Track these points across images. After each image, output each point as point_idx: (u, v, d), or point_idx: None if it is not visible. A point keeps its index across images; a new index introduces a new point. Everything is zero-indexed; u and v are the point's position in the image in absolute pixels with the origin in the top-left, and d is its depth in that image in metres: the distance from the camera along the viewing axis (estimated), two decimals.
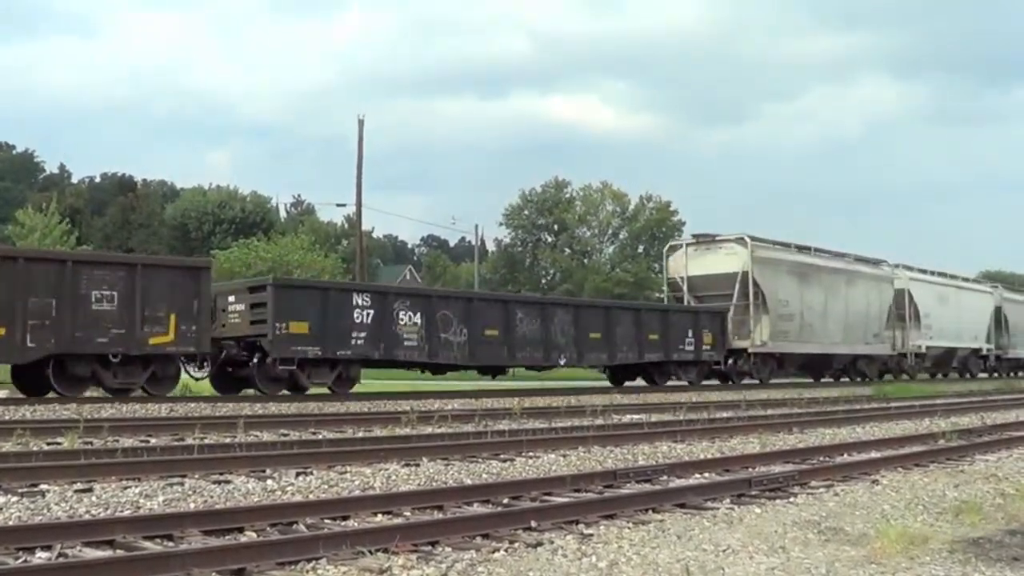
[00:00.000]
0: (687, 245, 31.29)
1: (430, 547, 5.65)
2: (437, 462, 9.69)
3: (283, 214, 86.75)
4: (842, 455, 11.07)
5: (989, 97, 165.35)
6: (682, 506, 7.36)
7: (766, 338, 29.06)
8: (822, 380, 34.49)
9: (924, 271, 39.47)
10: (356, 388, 20.34)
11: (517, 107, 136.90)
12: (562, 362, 23.88)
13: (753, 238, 29.87)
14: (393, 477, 8.61)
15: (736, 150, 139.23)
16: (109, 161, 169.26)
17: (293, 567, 5.11)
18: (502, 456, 10.32)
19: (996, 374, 43.41)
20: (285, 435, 12.04)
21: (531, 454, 10.54)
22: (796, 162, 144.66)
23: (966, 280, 43.61)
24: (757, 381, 29.27)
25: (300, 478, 8.37)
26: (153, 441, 10.98)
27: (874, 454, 11.10)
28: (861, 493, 8.22)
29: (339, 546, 5.38)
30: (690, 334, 26.93)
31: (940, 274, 40.49)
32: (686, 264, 30.43)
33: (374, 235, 68.42)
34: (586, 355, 24.52)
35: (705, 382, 27.97)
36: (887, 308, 35.34)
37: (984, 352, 42.53)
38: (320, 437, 11.78)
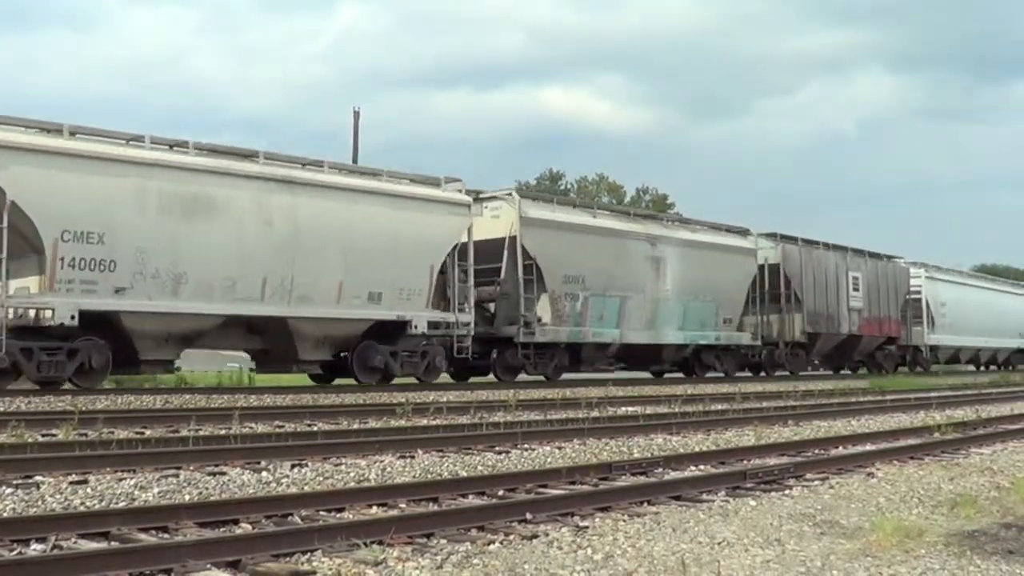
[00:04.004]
0: None
1: (425, 539, 5.65)
2: (432, 454, 9.69)
3: None
4: (837, 448, 11.10)
5: (984, 93, 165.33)
6: (677, 498, 7.37)
7: None
8: None
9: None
10: None
11: (512, 100, 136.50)
12: None
13: None
14: (388, 469, 8.61)
15: (732, 144, 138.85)
16: None
17: (288, 559, 5.10)
18: (497, 448, 10.33)
19: (496, 377, 22.38)
20: (280, 427, 12.02)
21: (526, 446, 10.55)
22: (792, 156, 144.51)
23: (379, 176, 19.78)
24: None
25: (295, 470, 8.37)
26: (148, 433, 10.96)
27: (869, 447, 11.13)
28: (856, 486, 8.24)
29: (334, 538, 5.37)
30: None
31: (296, 161, 18.12)
32: None
33: None
34: None
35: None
36: None
37: (415, 330, 19.29)
38: (315, 429, 11.77)
